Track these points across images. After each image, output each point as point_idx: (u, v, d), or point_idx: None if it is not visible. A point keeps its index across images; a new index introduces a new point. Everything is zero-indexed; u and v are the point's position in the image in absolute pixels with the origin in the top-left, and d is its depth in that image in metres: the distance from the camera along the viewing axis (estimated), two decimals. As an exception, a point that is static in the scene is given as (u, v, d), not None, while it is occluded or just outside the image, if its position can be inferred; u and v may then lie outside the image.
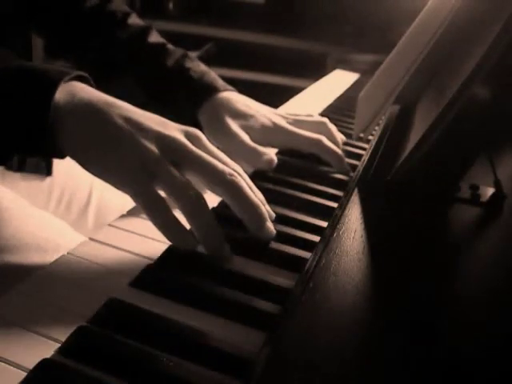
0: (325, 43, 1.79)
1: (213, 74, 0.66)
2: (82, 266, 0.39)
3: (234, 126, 0.60)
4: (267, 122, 0.62)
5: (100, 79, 0.75)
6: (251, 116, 0.62)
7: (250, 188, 0.43)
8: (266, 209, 0.44)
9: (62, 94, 0.40)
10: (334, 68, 1.33)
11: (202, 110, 0.63)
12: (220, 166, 0.41)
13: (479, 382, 0.27)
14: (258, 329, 0.34)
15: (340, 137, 0.66)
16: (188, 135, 0.43)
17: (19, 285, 0.36)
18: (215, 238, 0.41)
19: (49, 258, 0.47)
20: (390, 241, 0.41)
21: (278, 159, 0.62)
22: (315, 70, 1.66)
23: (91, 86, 0.43)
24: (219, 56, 1.90)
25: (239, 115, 0.62)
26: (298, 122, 0.64)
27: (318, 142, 0.61)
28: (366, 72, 1.20)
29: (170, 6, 2.03)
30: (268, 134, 0.62)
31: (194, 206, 0.40)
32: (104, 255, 0.41)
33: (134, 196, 0.40)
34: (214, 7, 2.06)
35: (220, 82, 0.66)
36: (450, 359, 0.28)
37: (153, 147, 0.40)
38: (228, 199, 0.42)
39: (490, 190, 0.46)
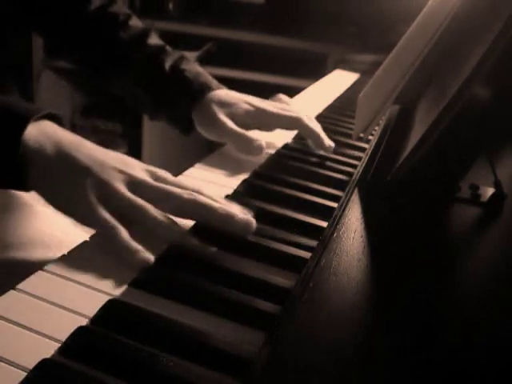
0: (325, 43, 1.78)
1: (207, 75, 0.69)
2: (82, 265, 0.39)
3: (220, 115, 0.63)
4: (249, 107, 0.65)
5: (100, 79, 0.76)
6: (234, 103, 0.65)
7: (211, 198, 0.44)
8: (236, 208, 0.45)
9: (32, 131, 0.41)
10: (334, 68, 1.33)
11: (196, 109, 0.65)
12: (178, 190, 0.43)
13: (479, 382, 0.27)
14: (258, 329, 0.34)
15: (328, 143, 0.67)
16: (151, 174, 0.45)
17: (20, 284, 0.36)
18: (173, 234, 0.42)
19: (52, 254, 0.47)
20: (390, 241, 0.41)
21: (278, 159, 0.62)
22: (315, 69, 1.66)
23: (61, 124, 0.45)
24: (219, 56, 1.90)
25: (225, 104, 0.65)
26: (280, 108, 0.67)
27: (298, 120, 0.65)
28: (366, 72, 1.20)
29: (170, 5, 2.03)
30: (251, 117, 0.65)
31: (163, 227, 0.42)
32: (104, 255, 0.40)
33: (89, 225, 0.41)
34: (214, 7, 2.06)
35: (214, 82, 0.68)
36: (449, 359, 0.28)
37: (116, 183, 0.42)
38: (194, 216, 0.44)
39: (490, 190, 0.46)
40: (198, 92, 0.65)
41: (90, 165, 0.42)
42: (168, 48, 0.71)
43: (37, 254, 0.50)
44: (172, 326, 0.33)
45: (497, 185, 0.45)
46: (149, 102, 0.71)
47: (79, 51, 0.75)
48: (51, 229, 0.54)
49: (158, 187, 0.43)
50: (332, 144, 0.66)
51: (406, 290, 0.34)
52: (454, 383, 0.27)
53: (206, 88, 0.66)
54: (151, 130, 2.03)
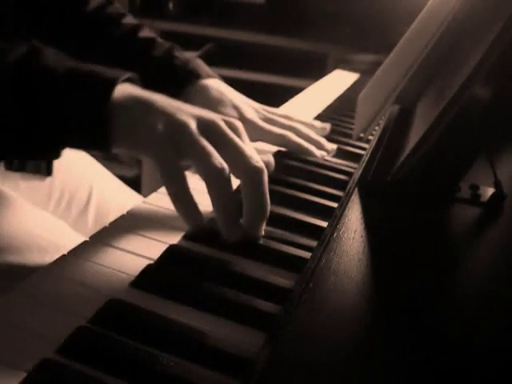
0: (325, 43, 1.78)
1: (198, 62, 0.67)
2: (81, 266, 0.39)
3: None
4: (236, 115, 0.63)
5: None
6: (222, 105, 0.63)
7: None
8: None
9: (117, 93, 0.43)
10: (334, 68, 1.33)
11: (181, 97, 0.62)
12: (247, 153, 0.42)
13: (479, 382, 0.27)
14: (258, 329, 0.34)
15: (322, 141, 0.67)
16: (227, 123, 0.44)
17: (19, 285, 0.36)
18: (231, 212, 0.42)
19: (49, 258, 0.47)
20: (390, 241, 0.41)
21: (279, 159, 0.62)
22: (315, 69, 1.66)
23: (139, 85, 0.47)
24: (219, 56, 1.89)
25: (210, 104, 0.62)
26: (268, 120, 0.65)
27: (284, 138, 0.63)
28: (366, 72, 1.20)
29: (170, 5, 2.03)
30: None
31: (218, 176, 0.41)
32: (104, 255, 0.41)
33: (156, 160, 0.41)
34: (214, 7, 2.06)
35: (203, 70, 0.66)
36: (449, 359, 0.28)
37: (191, 122, 0.42)
38: (246, 186, 0.43)
39: (490, 190, 0.46)
40: (184, 80, 0.64)
41: (165, 106, 0.43)
42: (158, 39, 0.70)
43: (34, 258, 0.50)
44: (172, 325, 0.33)
45: (497, 185, 0.45)
46: None
47: (75, 51, 0.75)
48: (48, 232, 0.54)
49: (230, 139, 0.43)
50: (324, 153, 0.64)
51: (406, 289, 0.34)
52: (454, 383, 0.27)
53: (193, 76, 0.64)
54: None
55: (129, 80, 0.46)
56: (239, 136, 0.44)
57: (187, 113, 0.43)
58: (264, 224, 0.43)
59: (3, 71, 0.42)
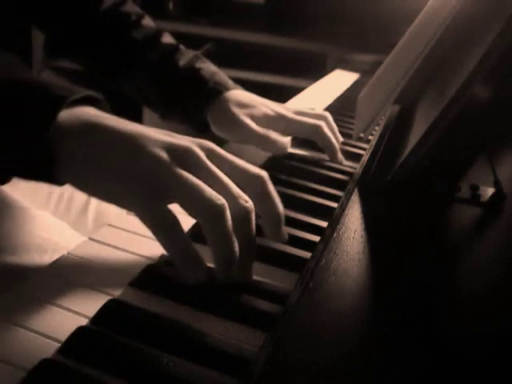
0: (325, 43, 1.78)
1: (223, 74, 0.69)
2: (81, 265, 0.39)
3: (240, 115, 0.62)
4: (269, 111, 0.64)
5: (113, 79, 0.77)
6: (254, 106, 0.64)
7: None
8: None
9: (65, 114, 0.36)
10: (333, 68, 1.33)
11: (211, 108, 0.64)
12: (234, 188, 0.37)
13: (479, 382, 0.27)
14: (258, 329, 0.34)
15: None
16: (201, 147, 0.38)
17: (18, 284, 0.36)
18: (231, 255, 0.35)
19: (48, 258, 0.47)
20: (390, 241, 0.41)
21: (279, 159, 0.62)
22: (315, 70, 1.66)
23: (102, 107, 0.40)
24: (219, 56, 1.90)
25: (243, 105, 0.64)
26: (299, 113, 0.66)
27: (317, 128, 0.63)
28: (366, 72, 1.20)
29: (170, 5, 2.03)
30: (270, 121, 0.64)
31: (218, 213, 0.34)
32: (104, 255, 0.41)
33: (141, 216, 0.35)
34: (214, 7, 2.06)
35: (230, 82, 0.68)
36: (450, 359, 0.28)
37: (163, 155, 0.35)
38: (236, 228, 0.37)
39: (490, 190, 0.46)
40: (213, 91, 0.65)
41: (130, 136, 0.35)
42: (182, 47, 0.71)
43: (33, 258, 0.50)
44: (172, 325, 0.33)
45: (497, 185, 0.45)
46: (162, 101, 0.70)
47: (90, 51, 0.75)
48: (47, 233, 0.54)
49: (212, 170, 0.36)
50: (343, 159, 0.65)
51: (406, 289, 0.34)
52: (455, 382, 0.27)
53: (222, 87, 0.65)
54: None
55: (90, 100, 0.39)
56: (218, 156, 0.38)
57: (155, 141, 0.36)
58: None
59: None
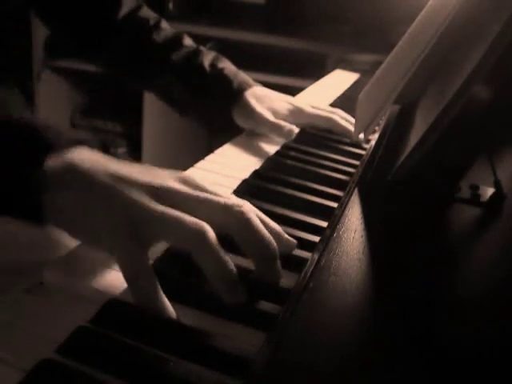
0: (325, 43, 1.78)
1: (242, 73, 0.75)
2: (81, 265, 0.39)
3: (259, 107, 0.70)
4: (288, 105, 0.74)
5: (137, 80, 0.81)
6: (274, 100, 0.74)
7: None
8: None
9: (51, 161, 0.36)
10: (333, 68, 1.33)
11: (236, 104, 0.71)
12: (223, 199, 0.37)
13: (479, 382, 0.27)
14: (258, 329, 0.34)
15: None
16: (182, 181, 0.38)
17: (19, 284, 0.36)
18: (230, 276, 0.35)
19: (49, 257, 0.47)
20: (390, 241, 0.41)
21: (279, 159, 0.62)
22: (315, 70, 1.66)
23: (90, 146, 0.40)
24: (219, 56, 1.90)
25: (262, 99, 0.72)
26: (314, 107, 0.77)
27: (332, 117, 0.75)
28: (366, 72, 1.20)
29: (170, 6, 2.03)
30: (291, 114, 0.73)
31: (202, 237, 0.34)
32: (104, 255, 0.40)
33: (119, 263, 0.35)
34: (214, 7, 2.06)
35: (250, 80, 0.75)
36: (449, 359, 0.28)
37: (143, 198, 0.35)
38: (237, 230, 0.37)
39: (490, 190, 0.46)
40: (238, 90, 0.71)
41: (111, 183, 0.36)
42: (203, 48, 0.77)
43: (34, 257, 0.50)
44: (172, 325, 0.33)
45: (497, 185, 0.45)
46: (186, 99, 0.76)
47: (112, 55, 0.80)
48: (48, 232, 0.54)
49: (195, 197, 0.37)
50: (362, 137, 0.69)
51: (406, 290, 0.34)
52: (454, 383, 0.27)
53: (245, 85, 0.72)
54: (151, 129, 2.03)
55: (82, 143, 0.39)
56: (199, 187, 0.38)
57: (135, 184, 0.36)
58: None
59: None
